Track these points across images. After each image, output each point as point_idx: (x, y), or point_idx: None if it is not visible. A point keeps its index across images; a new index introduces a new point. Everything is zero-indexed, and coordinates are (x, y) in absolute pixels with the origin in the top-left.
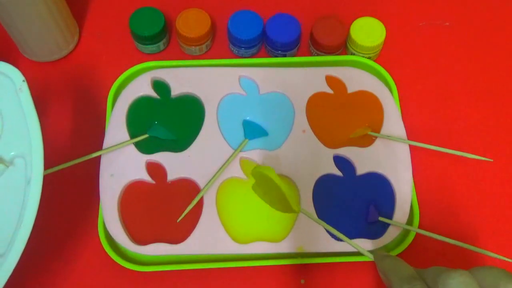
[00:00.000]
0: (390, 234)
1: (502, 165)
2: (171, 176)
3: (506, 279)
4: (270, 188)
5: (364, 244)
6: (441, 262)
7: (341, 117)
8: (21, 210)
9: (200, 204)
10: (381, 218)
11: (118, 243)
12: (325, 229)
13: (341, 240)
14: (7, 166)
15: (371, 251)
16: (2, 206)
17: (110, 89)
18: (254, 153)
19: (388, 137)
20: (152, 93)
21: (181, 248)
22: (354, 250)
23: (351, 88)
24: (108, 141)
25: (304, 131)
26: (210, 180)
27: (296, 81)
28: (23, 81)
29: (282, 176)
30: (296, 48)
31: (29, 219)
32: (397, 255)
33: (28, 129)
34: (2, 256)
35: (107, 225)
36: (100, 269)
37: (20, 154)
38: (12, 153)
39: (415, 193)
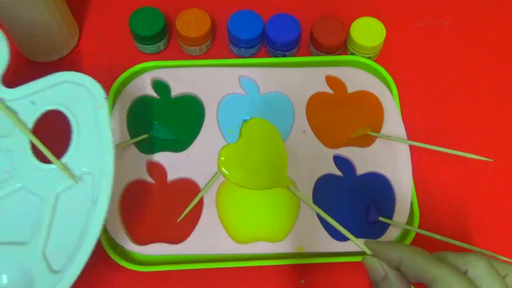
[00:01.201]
0: (390, 234)
1: (502, 165)
2: (171, 176)
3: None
4: (261, 147)
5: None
6: None
7: (341, 117)
8: (83, 228)
9: (200, 204)
10: (381, 218)
11: (118, 243)
12: (325, 229)
13: (341, 240)
14: (77, 182)
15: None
16: (65, 221)
17: (110, 89)
18: None
19: (388, 137)
20: (152, 93)
21: (181, 248)
22: (354, 250)
23: (351, 88)
24: None
25: (304, 131)
26: (210, 180)
27: (296, 81)
28: (105, 98)
29: None
30: (296, 48)
31: (91, 239)
32: None
33: (101, 148)
34: (60, 272)
35: (107, 225)
36: (100, 269)
37: (90, 171)
38: (84, 169)
39: (415, 193)
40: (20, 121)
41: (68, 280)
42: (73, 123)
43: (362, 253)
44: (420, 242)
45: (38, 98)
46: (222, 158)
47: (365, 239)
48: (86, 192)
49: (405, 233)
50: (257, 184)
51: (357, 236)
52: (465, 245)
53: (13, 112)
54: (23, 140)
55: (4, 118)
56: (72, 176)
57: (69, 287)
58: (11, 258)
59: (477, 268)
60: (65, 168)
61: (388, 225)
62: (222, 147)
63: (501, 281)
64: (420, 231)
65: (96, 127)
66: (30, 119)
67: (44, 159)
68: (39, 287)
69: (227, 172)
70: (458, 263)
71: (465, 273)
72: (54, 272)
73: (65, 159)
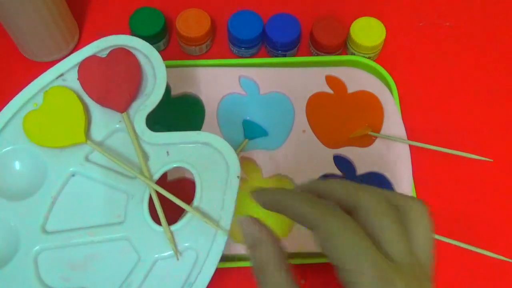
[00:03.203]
0: None
1: (502, 165)
2: (171, 176)
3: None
4: (60, 110)
5: None
6: (440, 262)
7: (341, 117)
8: None
9: None
10: None
11: None
12: None
13: None
14: (177, 259)
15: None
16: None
17: None
18: (254, 153)
19: (388, 137)
20: None
21: None
22: None
23: (351, 88)
24: None
25: (304, 131)
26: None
27: (296, 81)
28: (238, 177)
29: (282, 176)
30: (296, 48)
31: None
32: None
33: (216, 233)
34: None
35: None
36: None
37: (197, 249)
38: (191, 244)
39: (415, 193)
40: (148, 169)
41: None
42: (197, 191)
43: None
44: None
45: (174, 150)
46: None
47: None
48: (184, 270)
49: None
50: (55, 142)
51: None
52: (465, 245)
53: (145, 156)
54: (143, 189)
55: (134, 158)
56: (175, 249)
57: None
58: None
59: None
60: (172, 238)
61: None
62: (25, 115)
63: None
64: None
65: (220, 203)
66: (159, 170)
67: (156, 217)
68: None
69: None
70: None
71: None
72: None
73: (176, 227)
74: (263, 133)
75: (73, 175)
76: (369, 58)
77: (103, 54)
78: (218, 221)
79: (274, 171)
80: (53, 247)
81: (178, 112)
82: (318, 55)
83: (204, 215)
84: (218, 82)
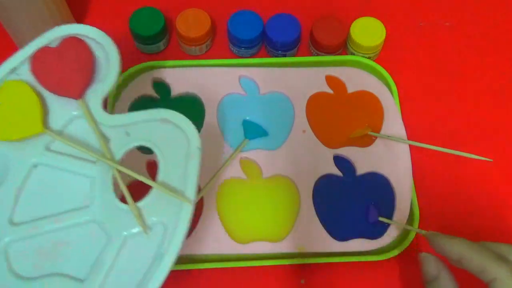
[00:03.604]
0: (390, 234)
1: (502, 165)
2: None
3: None
4: (14, 103)
5: (364, 244)
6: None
7: (341, 117)
8: (141, 279)
9: (200, 204)
10: (381, 218)
11: None
12: (325, 229)
13: (341, 240)
14: (146, 232)
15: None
16: (125, 267)
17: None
18: (254, 153)
19: (388, 137)
20: (152, 93)
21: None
22: (354, 250)
23: (351, 88)
24: None
25: (304, 131)
26: (210, 180)
27: (296, 81)
28: (198, 148)
29: (282, 176)
30: (296, 48)
31: None
32: (397, 256)
33: (181, 204)
34: None
35: None
36: None
37: (165, 222)
38: (158, 219)
39: (415, 193)
40: (110, 151)
41: None
42: (160, 166)
43: (361, 254)
44: (420, 242)
45: (133, 130)
46: None
47: (427, 231)
48: (154, 243)
49: (405, 233)
50: (13, 135)
51: (357, 236)
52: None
53: (105, 139)
54: (106, 171)
55: (95, 143)
56: (143, 225)
57: None
58: None
59: None
60: (139, 214)
61: (388, 225)
62: None
63: None
64: (420, 231)
65: (182, 177)
66: (120, 151)
67: (122, 196)
68: None
69: None
70: None
71: None
72: None
73: (143, 203)
74: (263, 133)
75: (35, 166)
76: (369, 58)
77: (55, 45)
78: (183, 193)
79: (274, 171)
80: (22, 237)
81: (178, 112)
82: (318, 55)
83: (169, 188)
84: (218, 82)
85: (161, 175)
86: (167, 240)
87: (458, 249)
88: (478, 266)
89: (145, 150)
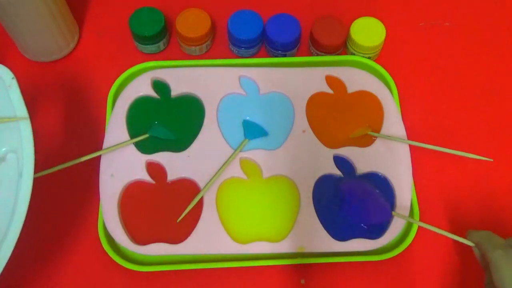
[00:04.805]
0: (390, 235)
1: (502, 165)
2: (171, 176)
3: None
4: None
5: (364, 244)
6: (440, 262)
7: (341, 117)
8: (14, 203)
9: (200, 204)
10: (394, 213)
11: (118, 243)
12: (325, 229)
13: (341, 240)
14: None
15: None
16: None
17: (110, 89)
18: (254, 153)
19: (388, 137)
20: (152, 93)
21: (181, 248)
22: (354, 250)
23: (351, 88)
24: (108, 141)
25: (304, 131)
26: (210, 180)
27: (296, 81)
28: (12, 78)
29: (282, 176)
30: (296, 48)
31: (21, 210)
32: (397, 255)
33: (19, 125)
34: None
35: (107, 225)
36: (100, 269)
37: (12, 149)
38: (4, 149)
39: (415, 193)
40: None
41: (4, 255)
42: None
43: (361, 254)
44: (419, 242)
45: None
46: None
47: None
48: (13, 169)
49: (405, 234)
50: None
51: (357, 236)
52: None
53: None
54: None
55: None
56: None
57: (6, 261)
58: None
59: None
60: None
61: (388, 226)
62: None
63: None
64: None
65: (11, 107)
66: None
67: None
68: None
69: None
70: None
71: None
72: None
73: None
74: (263, 133)
75: None
76: (369, 58)
77: None
78: (15, 115)
79: (274, 171)
80: None
81: (178, 112)
82: (318, 55)
83: (1, 118)
84: (218, 82)
85: None
86: (20, 159)
87: (476, 237)
88: (482, 250)
89: (145, 149)
